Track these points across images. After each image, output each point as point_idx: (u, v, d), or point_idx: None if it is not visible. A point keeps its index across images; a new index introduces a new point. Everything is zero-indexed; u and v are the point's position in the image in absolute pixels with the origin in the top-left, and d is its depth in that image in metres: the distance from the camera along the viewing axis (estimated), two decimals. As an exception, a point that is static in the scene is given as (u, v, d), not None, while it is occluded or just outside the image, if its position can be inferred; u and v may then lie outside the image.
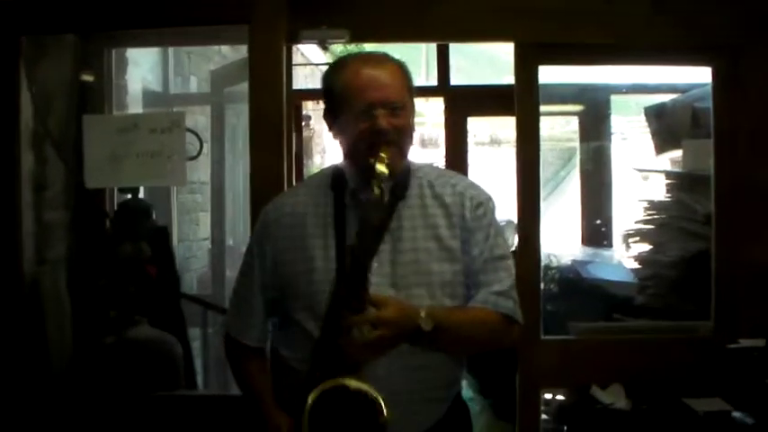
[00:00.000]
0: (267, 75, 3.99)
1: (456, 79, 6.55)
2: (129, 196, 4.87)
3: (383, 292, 2.72)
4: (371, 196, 2.69)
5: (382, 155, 2.75)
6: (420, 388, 2.83)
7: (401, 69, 2.95)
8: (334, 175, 3.01)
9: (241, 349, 3.06)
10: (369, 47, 4.74)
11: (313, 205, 2.96)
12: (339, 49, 7.54)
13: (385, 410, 2.58)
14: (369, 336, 2.60)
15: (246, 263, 3.08)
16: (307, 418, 2.61)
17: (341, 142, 2.97)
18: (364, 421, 2.59)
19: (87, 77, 4.81)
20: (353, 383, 2.61)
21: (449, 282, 2.87)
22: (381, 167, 2.73)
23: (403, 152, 2.90)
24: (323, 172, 3.12)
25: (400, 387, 2.74)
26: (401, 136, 2.87)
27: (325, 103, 3.00)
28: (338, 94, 2.90)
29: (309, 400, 2.61)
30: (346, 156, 2.97)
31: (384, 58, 2.96)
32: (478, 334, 2.88)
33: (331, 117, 2.97)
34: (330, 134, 3.00)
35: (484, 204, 2.97)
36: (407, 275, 2.83)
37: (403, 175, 2.94)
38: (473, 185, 3.05)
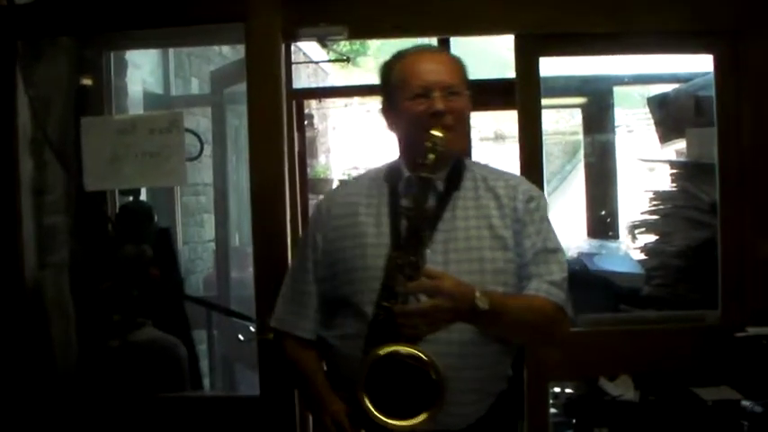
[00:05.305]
0: (265, 73, 3.97)
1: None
2: (131, 198, 4.87)
3: None
4: (426, 160, 2.73)
5: (438, 133, 2.78)
6: (473, 378, 2.84)
7: (456, 59, 3.04)
8: (389, 168, 3.06)
9: (295, 342, 3.07)
10: (370, 44, 4.71)
11: (366, 196, 3.01)
12: (341, 46, 7.48)
13: (440, 370, 2.58)
14: (424, 304, 2.59)
15: (299, 256, 3.13)
16: (363, 384, 2.61)
17: (398, 135, 3.02)
18: (421, 383, 2.59)
19: (86, 81, 4.79)
20: (406, 348, 2.60)
21: (501, 269, 2.88)
22: (437, 132, 2.77)
23: (460, 136, 2.95)
24: (378, 167, 3.16)
25: (454, 373, 2.71)
26: (458, 121, 2.91)
27: (382, 96, 3.04)
28: (394, 82, 2.95)
29: (364, 366, 2.61)
30: (402, 147, 3.03)
31: (439, 49, 3.21)
32: (533, 319, 2.86)
33: (387, 108, 3.02)
34: (386, 128, 3.05)
35: (536, 199, 3.00)
36: (460, 262, 2.84)
37: (458, 167, 2.98)
38: (525, 181, 3.10)
